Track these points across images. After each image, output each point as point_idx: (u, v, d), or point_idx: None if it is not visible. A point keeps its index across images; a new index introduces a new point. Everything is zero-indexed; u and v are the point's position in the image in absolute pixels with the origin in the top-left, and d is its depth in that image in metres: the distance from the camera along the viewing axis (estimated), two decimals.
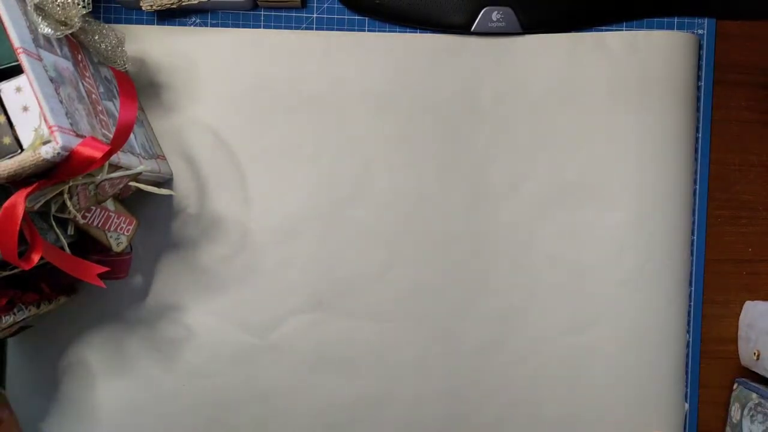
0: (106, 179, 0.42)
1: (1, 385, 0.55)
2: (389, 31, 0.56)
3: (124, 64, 0.49)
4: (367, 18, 0.56)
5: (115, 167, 0.42)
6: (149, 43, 0.54)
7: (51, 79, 0.37)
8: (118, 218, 0.47)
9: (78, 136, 0.37)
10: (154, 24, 0.55)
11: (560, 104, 0.56)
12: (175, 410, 0.55)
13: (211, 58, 0.54)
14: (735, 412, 0.57)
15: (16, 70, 0.36)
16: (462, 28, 0.55)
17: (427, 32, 0.56)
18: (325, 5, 0.56)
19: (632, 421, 0.57)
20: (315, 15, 0.56)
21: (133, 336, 0.55)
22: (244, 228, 0.55)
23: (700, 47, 0.57)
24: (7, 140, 0.35)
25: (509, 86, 0.56)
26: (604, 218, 0.56)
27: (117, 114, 0.46)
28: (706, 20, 0.57)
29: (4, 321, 0.42)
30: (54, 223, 0.41)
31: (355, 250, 0.56)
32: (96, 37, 0.46)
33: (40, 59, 0.37)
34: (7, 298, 0.43)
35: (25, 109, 0.35)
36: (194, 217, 0.55)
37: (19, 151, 0.35)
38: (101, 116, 0.43)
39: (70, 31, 0.40)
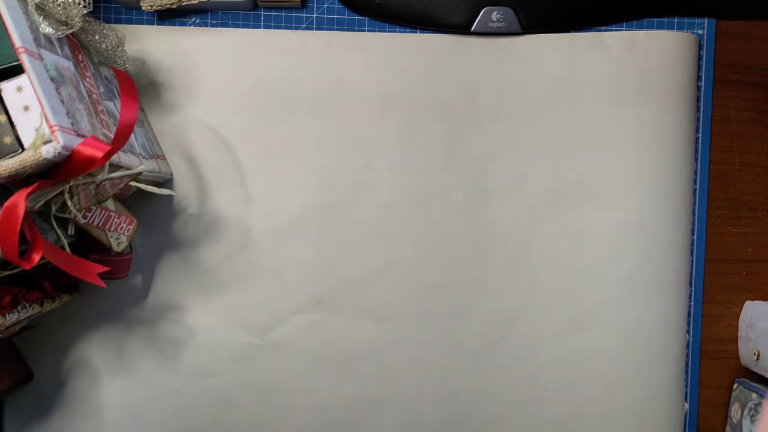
0: (106, 179, 0.42)
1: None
2: (389, 31, 0.56)
3: (124, 64, 0.49)
4: (367, 18, 0.56)
5: (116, 167, 0.42)
6: (149, 43, 0.54)
7: (52, 79, 0.37)
8: (118, 218, 0.47)
9: (79, 135, 0.37)
10: (154, 24, 0.55)
11: (560, 104, 0.56)
12: (175, 409, 0.55)
13: (211, 58, 0.54)
14: (735, 412, 0.57)
15: (17, 70, 0.36)
16: (462, 28, 0.55)
17: (427, 32, 0.56)
18: (325, 5, 0.56)
19: (632, 421, 0.57)
20: (315, 15, 0.56)
21: (134, 335, 0.55)
22: (245, 228, 0.55)
23: (700, 47, 0.57)
24: (8, 140, 0.35)
25: (509, 86, 0.56)
26: (604, 218, 0.56)
27: (117, 114, 0.46)
28: (706, 20, 0.57)
29: (8, 318, 0.42)
30: (54, 223, 0.41)
31: (355, 250, 0.56)
32: (96, 37, 0.46)
33: (41, 59, 0.37)
34: (11, 296, 0.43)
35: (26, 108, 0.35)
36: (194, 217, 0.55)
37: (20, 150, 0.35)
38: (102, 116, 0.43)
39: (70, 31, 0.41)
